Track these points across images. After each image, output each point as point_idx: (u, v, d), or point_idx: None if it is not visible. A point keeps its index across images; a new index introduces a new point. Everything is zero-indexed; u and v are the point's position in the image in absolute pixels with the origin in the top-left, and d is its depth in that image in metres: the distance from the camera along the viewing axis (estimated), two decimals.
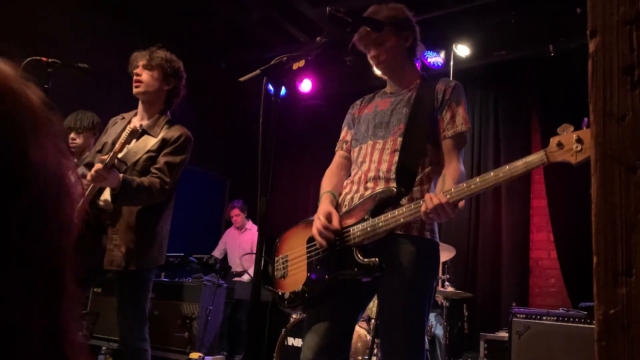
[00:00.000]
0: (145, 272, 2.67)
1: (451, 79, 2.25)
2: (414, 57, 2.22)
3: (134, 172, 2.61)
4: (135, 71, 2.73)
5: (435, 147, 2.06)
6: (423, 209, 1.76)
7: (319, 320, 1.98)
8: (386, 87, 2.29)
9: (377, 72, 2.26)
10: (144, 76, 2.71)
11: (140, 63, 2.74)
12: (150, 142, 2.69)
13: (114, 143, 2.72)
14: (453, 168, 1.98)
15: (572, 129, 1.56)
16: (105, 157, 2.40)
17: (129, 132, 2.43)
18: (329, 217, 1.96)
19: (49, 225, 0.45)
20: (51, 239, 0.45)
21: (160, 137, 2.71)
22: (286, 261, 2.09)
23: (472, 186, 1.74)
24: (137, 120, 2.81)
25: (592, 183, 0.83)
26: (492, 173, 1.71)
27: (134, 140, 2.69)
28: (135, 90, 2.73)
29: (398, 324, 1.88)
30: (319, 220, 1.96)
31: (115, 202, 2.56)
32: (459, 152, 2.04)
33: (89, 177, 2.42)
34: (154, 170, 2.63)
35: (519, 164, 1.66)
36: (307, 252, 2.02)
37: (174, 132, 2.75)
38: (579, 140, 1.52)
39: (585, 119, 1.52)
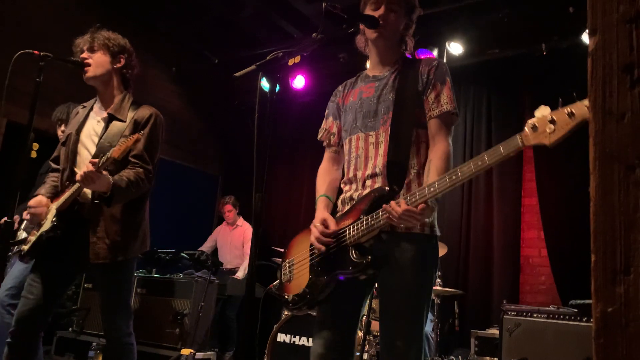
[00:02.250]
0: (131, 263, 2.63)
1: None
2: (403, 44, 2.18)
3: (110, 161, 2.52)
4: (81, 56, 2.66)
5: (426, 131, 2.02)
6: (385, 217, 1.77)
7: (327, 317, 2.01)
8: (368, 68, 2.23)
9: (363, 43, 2.17)
10: (90, 59, 2.65)
11: (85, 47, 2.68)
12: (120, 127, 2.62)
13: (77, 133, 2.68)
14: (439, 150, 1.94)
15: (549, 110, 1.55)
16: (97, 159, 2.36)
17: (133, 140, 2.36)
18: (324, 223, 1.98)
19: None
20: None
21: (129, 119, 2.65)
22: (292, 265, 2.10)
23: (437, 185, 1.71)
24: (99, 107, 2.76)
25: (590, 181, 0.83)
26: (471, 164, 1.66)
27: (103, 128, 2.65)
28: (85, 76, 2.66)
29: (400, 321, 1.89)
30: (315, 228, 1.98)
31: (110, 205, 2.51)
32: (447, 131, 1.99)
33: (77, 177, 2.37)
34: (134, 160, 2.57)
35: (496, 151, 1.62)
36: (311, 255, 2.03)
37: (143, 112, 2.69)
38: (552, 122, 1.51)
39: (560, 99, 1.52)
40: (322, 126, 2.30)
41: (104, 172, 2.38)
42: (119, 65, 2.73)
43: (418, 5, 2.18)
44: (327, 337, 1.98)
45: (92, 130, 2.70)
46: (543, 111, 1.55)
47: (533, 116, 1.59)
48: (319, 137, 2.30)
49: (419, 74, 2.04)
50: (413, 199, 1.75)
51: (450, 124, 2.01)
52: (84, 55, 2.66)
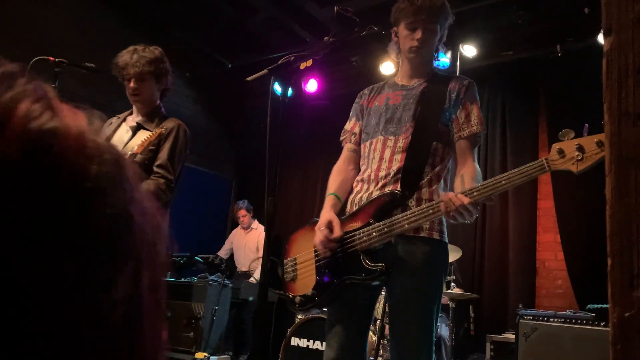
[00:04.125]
0: None
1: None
2: (435, 53, 2.20)
3: (133, 157, 2.57)
4: (130, 86, 2.72)
5: (444, 146, 2.04)
6: (443, 208, 1.75)
7: (338, 320, 2.01)
8: (397, 75, 2.24)
9: (396, 51, 2.16)
10: (140, 89, 2.73)
11: (132, 73, 2.72)
12: (146, 136, 2.67)
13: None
14: (470, 167, 1.97)
15: (573, 134, 1.55)
16: None
17: (156, 135, 2.43)
18: (330, 226, 1.96)
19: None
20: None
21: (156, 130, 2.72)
22: (295, 264, 2.09)
23: (489, 187, 1.73)
24: (133, 118, 2.84)
25: (606, 184, 0.82)
26: (494, 179, 1.73)
27: (130, 137, 2.71)
28: (133, 99, 2.76)
29: (410, 325, 1.88)
30: (320, 231, 1.96)
31: None
32: (474, 151, 2.03)
33: None
34: (156, 170, 2.63)
35: (521, 172, 1.66)
36: (316, 256, 2.02)
37: (169, 124, 2.76)
38: (580, 149, 1.51)
39: (586, 125, 1.52)
40: (344, 128, 2.30)
41: None
42: (163, 87, 2.85)
43: (450, 12, 2.14)
44: (339, 341, 1.97)
45: (120, 139, 2.77)
46: (568, 135, 1.55)
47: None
48: (341, 139, 2.30)
49: (447, 90, 2.05)
50: (472, 195, 1.74)
51: (476, 144, 2.05)
52: (132, 85, 2.71)
